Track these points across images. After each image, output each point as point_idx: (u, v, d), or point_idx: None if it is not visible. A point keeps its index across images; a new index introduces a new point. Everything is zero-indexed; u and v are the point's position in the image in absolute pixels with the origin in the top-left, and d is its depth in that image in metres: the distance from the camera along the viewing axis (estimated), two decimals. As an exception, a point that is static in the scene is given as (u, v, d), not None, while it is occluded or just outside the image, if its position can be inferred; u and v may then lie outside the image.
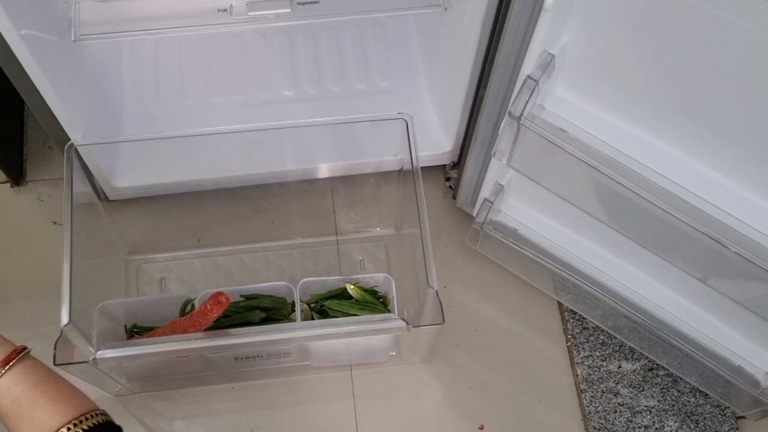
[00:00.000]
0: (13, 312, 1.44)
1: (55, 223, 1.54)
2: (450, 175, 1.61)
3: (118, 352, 1.11)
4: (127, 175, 1.47)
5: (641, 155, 1.04)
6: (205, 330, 1.19)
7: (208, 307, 1.16)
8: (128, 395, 1.37)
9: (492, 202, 1.33)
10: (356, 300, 1.35)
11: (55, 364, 1.10)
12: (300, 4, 1.36)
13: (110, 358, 1.11)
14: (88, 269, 1.12)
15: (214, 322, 1.33)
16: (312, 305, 1.36)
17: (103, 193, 1.46)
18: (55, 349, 1.09)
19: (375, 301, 1.35)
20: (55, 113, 1.24)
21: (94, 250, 1.35)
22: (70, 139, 1.26)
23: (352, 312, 1.32)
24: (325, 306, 1.34)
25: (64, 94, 1.24)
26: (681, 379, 1.41)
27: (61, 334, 1.07)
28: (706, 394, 1.40)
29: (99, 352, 1.09)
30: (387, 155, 1.45)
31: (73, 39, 1.30)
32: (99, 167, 1.38)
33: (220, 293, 1.17)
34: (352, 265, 1.52)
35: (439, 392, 1.43)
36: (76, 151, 1.25)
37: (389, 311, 1.35)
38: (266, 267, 1.51)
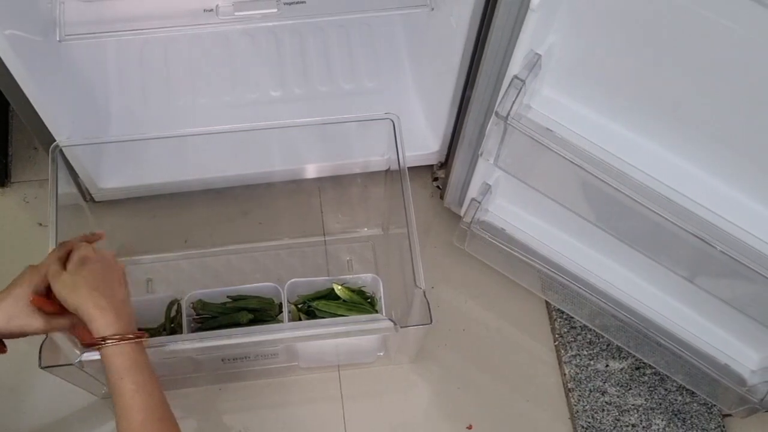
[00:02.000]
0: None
1: (40, 224, 1.53)
2: (437, 175, 1.61)
3: (104, 354, 1.10)
4: (113, 176, 1.46)
5: (628, 155, 1.04)
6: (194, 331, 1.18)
7: None
8: (115, 397, 1.36)
9: (479, 202, 1.33)
10: (344, 300, 1.35)
11: (40, 367, 1.09)
12: (287, 4, 1.35)
13: (96, 361, 1.09)
14: (74, 271, 1.11)
15: (200, 323, 1.33)
16: (299, 306, 1.35)
17: (89, 194, 1.45)
18: (40, 351, 1.08)
19: (363, 302, 1.35)
20: (40, 114, 1.23)
21: (80, 252, 1.34)
22: (55, 140, 1.25)
23: (339, 312, 1.32)
24: (313, 307, 1.34)
25: (49, 94, 1.23)
26: (668, 377, 1.42)
27: (47, 336, 1.07)
28: (693, 393, 1.41)
29: (85, 355, 1.08)
30: (374, 155, 1.45)
31: (58, 39, 1.29)
32: (85, 168, 1.37)
33: None
34: (340, 265, 1.52)
35: (428, 392, 1.43)
36: (62, 152, 1.24)
37: (377, 311, 1.35)
38: (253, 268, 1.50)
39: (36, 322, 0.95)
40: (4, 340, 0.97)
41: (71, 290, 0.94)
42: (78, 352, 1.08)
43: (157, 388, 0.95)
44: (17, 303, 0.94)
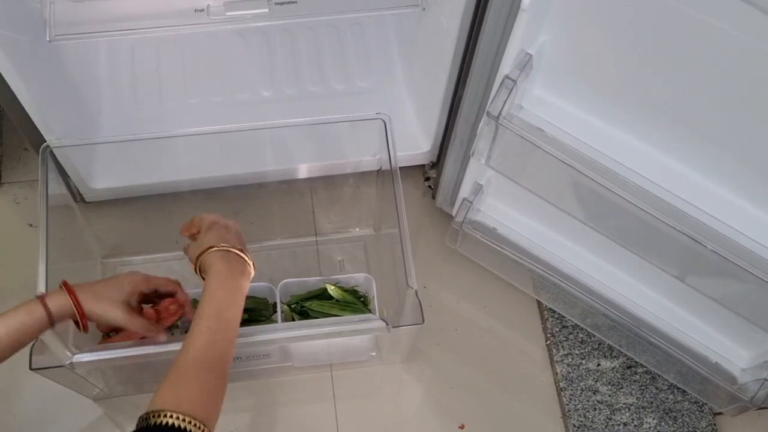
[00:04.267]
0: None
1: (31, 225, 1.52)
2: (429, 174, 1.61)
3: (95, 355, 1.09)
4: (104, 177, 1.46)
5: (619, 154, 1.05)
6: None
7: (172, 309, 1.14)
8: (106, 399, 1.36)
9: (471, 202, 1.33)
10: (337, 300, 1.35)
11: (31, 369, 1.08)
12: (278, 4, 1.35)
13: (87, 362, 1.09)
14: (64, 272, 1.10)
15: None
16: (292, 306, 1.35)
17: (80, 194, 1.45)
18: (31, 353, 1.08)
19: (356, 301, 1.35)
20: (30, 114, 1.23)
21: (71, 253, 1.34)
22: (45, 141, 1.25)
23: (333, 312, 1.32)
24: (306, 307, 1.34)
25: (39, 95, 1.22)
26: (659, 376, 1.42)
27: (37, 338, 1.06)
28: (684, 391, 1.41)
29: (76, 356, 1.08)
30: (366, 155, 1.45)
31: (48, 39, 1.28)
32: (75, 169, 1.37)
33: (171, 301, 1.15)
34: (332, 265, 1.52)
35: (420, 392, 1.43)
36: (52, 152, 1.23)
37: (370, 311, 1.35)
38: (245, 268, 1.50)
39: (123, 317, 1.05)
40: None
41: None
42: (69, 354, 1.08)
43: (228, 343, 0.96)
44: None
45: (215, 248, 1.03)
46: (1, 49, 1.09)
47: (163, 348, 1.12)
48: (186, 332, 0.98)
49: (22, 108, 1.21)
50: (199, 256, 1.03)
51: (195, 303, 1.31)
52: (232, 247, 1.04)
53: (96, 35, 1.31)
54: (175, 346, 1.12)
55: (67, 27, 1.30)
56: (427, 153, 1.54)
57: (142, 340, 1.12)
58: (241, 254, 1.04)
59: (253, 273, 1.06)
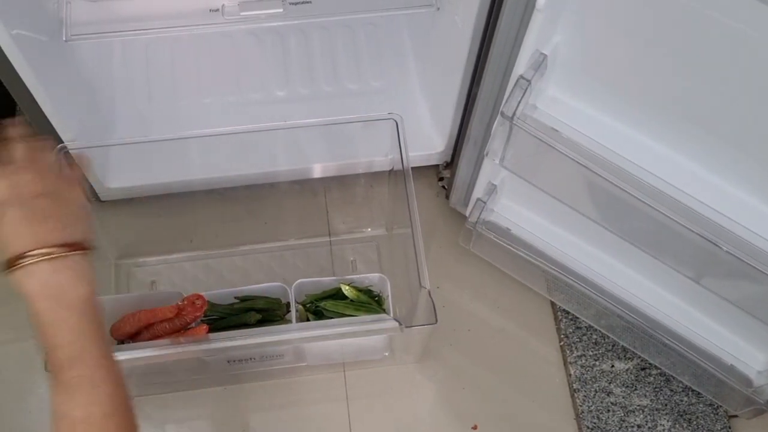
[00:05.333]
0: (1, 315, 1.43)
1: (46, 224, 1.53)
2: (443, 175, 1.61)
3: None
4: (119, 176, 1.46)
5: (634, 155, 1.04)
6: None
7: (198, 303, 1.15)
8: (120, 397, 1.36)
9: (485, 202, 1.33)
10: (351, 300, 1.35)
11: (46, 370, 1.09)
12: (292, 4, 1.36)
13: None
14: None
15: (208, 324, 1.33)
16: (307, 306, 1.35)
17: (94, 193, 1.46)
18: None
19: (370, 301, 1.35)
20: (46, 114, 1.24)
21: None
22: (61, 139, 1.26)
23: (347, 312, 1.32)
24: (321, 307, 1.34)
25: (55, 94, 1.23)
26: (674, 378, 1.42)
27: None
28: (699, 393, 1.40)
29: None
30: (379, 155, 1.45)
31: (64, 39, 1.29)
32: (91, 167, 1.37)
33: (197, 296, 1.16)
34: (345, 265, 1.52)
35: (432, 392, 1.43)
36: (67, 153, 1.24)
37: (384, 311, 1.35)
38: (258, 269, 1.50)
39: None
40: None
41: None
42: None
43: (108, 373, 0.71)
44: None
45: (20, 266, 0.64)
46: (19, 49, 1.10)
47: (179, 349, 1.12)
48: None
49: (39, 107, 1.22)
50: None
51: (207, 304, 1.32)
52: (52, 247, 0.65)
53: (111, 35, 1.31)
54: (194, 347, 1.13)
55: (83, 27, 1.31)
56: (441, 153, 1.54)
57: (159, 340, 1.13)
58: (70, 252, 0.68)
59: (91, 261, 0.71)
